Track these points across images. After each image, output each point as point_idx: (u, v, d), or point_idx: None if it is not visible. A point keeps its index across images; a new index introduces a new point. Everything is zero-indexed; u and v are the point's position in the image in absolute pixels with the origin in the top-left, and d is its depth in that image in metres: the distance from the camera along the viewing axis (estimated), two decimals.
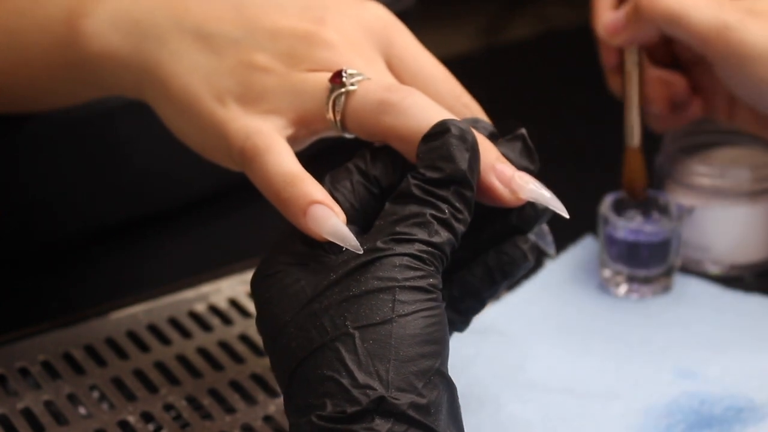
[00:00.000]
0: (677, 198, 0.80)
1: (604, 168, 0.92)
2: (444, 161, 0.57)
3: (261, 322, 0.58)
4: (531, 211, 0.60)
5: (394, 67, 0.64)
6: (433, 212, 0.56)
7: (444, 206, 0.57)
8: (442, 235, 0.56)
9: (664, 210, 0.79)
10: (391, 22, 0.65)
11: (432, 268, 0.56)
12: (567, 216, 0.60)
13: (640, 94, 0.79)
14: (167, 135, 0.66)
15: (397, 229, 0.56)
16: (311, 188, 0.58)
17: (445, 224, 0.56)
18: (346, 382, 0.53)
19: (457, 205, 0.57)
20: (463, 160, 0.57)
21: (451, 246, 0.57)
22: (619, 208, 0.79)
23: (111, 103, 0.77)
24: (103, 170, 0.84)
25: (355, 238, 0.56)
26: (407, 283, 0.55)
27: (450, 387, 0.55)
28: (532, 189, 0.59)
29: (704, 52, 0.76)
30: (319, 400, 0.54)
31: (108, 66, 0.66)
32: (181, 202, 0.88)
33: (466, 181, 0.57)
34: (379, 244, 0.56)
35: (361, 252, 0.56)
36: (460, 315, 0.62)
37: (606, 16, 0.79)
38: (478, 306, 0.62)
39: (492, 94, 0.70)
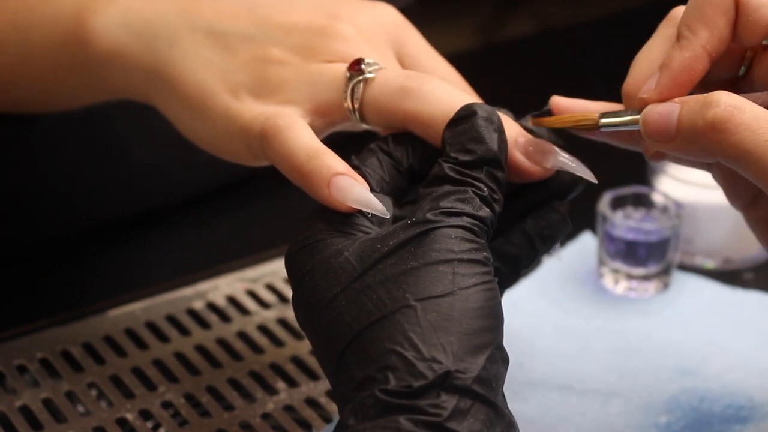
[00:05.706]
0: (670, 192, 0.80)
1: (602, 165, 0.92)
2: (474, 143, 0.57)
3: (301, 296, 0.56)
4: (566, 177, 0.60)
5: (406, 65, 0.64)
6: (474, 189, 0.56)
7: (480, 185, 0.56)
8: (485, 211, 0.56)
9: (662, 208, 0.79)
10: (403, 23, 0.66)
11: (483, 241, 0.55)
12: (595, 181, 0.60)
13: None
14: (165, 132, 0.66)
15: (442, 204, 0.55)
16: (333, 161, 0.57)
17: (485, 201, 0.56)
18: (410, 355, 0.51)
19: (491, 185, 0.56)
20: (493, 141, 0.57)
21: (492, 223, 0.56)
22: (618, 205, 0.79)
23: (109, 102, 0.76)
24: (101, 168, 0.84)
25: (381, 204, 0.56)
26: (465, 256, 0.54)
27: (506, 362, 0.54)
28: (555, 157, 0.59)
29: None
30: (381, 374, 0.52)
31: (116, 65, 0.65)
32: (179, 199, 0.88)
33: (497, 161, 0.57)
34: (429, 216, 0.55)
35: (388, 216, 0.56)
36: None
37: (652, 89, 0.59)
38: (513, 278, 0.61)
39: (490, 91, 0.70)
